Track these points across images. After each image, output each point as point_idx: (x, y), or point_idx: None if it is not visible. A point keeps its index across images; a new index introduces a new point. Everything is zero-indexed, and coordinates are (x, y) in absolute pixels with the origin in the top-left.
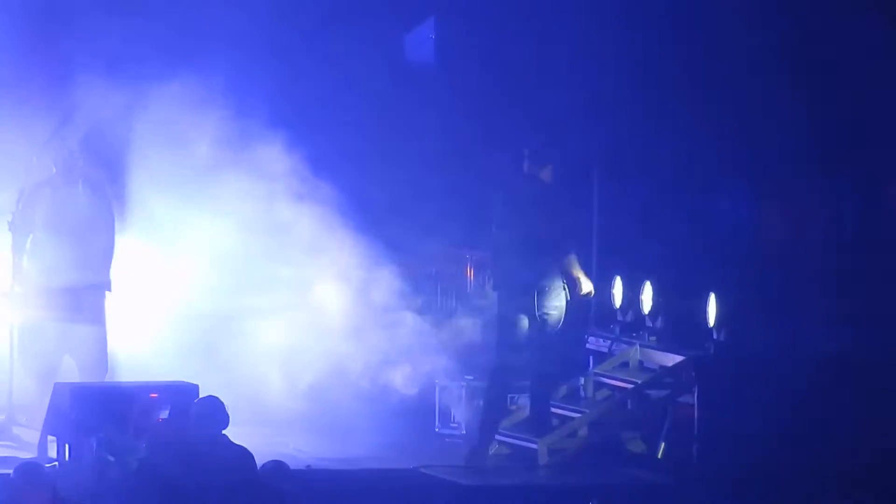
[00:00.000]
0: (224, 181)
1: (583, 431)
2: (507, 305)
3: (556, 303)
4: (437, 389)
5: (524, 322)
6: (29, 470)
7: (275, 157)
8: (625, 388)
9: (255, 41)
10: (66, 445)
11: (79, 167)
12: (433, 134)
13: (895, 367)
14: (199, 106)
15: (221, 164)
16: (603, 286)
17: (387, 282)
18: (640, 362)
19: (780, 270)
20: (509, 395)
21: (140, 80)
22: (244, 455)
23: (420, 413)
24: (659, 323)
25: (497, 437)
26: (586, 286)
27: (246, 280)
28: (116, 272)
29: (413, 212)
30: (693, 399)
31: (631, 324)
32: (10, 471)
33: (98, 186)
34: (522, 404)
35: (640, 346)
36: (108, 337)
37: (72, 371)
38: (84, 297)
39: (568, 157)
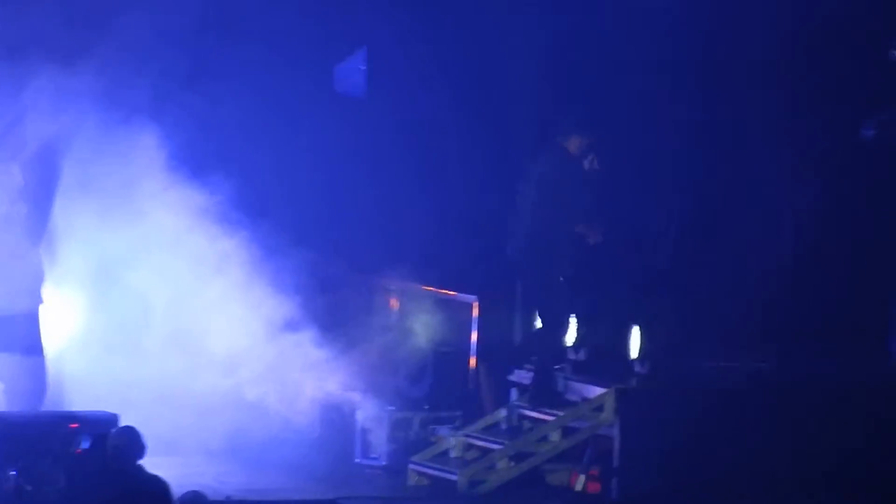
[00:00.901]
0: (143, 211)
1: (503, 463)
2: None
3: None
4: (358, 420)
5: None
6: None
7: (199, 187)
8: (546, 421)
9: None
10: None
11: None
12: (362, 164)
13: (817, 391)
14: (124, 135)
15: (140, 192)
16: (526, 320)
17: (310, 313)
18: (563, 394)
19: (703, 303)
20: (431, 427)
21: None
22: (161, 485)
23: (341, 444)
24: (582, 355)
25: (416, 467)
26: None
27: (167, 310)
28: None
29: (340, 243)
30: (614, 431)
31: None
32: None
33: (37, 205)
34: (443, 436)
35: (563, 378)
36: (48, 365)
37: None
38: (16, 325)
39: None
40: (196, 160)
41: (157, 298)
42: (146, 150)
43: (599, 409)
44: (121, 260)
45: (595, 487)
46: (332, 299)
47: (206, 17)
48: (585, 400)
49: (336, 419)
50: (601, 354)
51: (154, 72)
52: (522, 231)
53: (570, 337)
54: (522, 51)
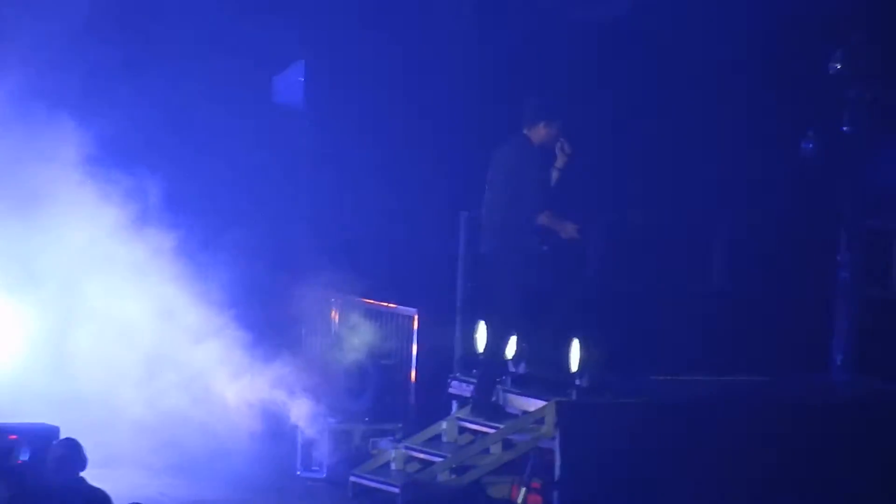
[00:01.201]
0: (71, 213)
1: (444, 476)
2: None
3: None
4: (299, 432)
5: None
6: None
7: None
8: (487, 433)
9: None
10: None
11: None
12: (302, 174)
13: (755, 406)
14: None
15: (67, 194)
16: (467, 332)
17: (250, 325)
18: (503, 407)
19: (643, 317)
20: (372, 439)
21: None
22: (102, 498)
23: (282, 456)
24: (522, 368)
25: (357, 480)
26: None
27: (104, 323)
28: None
29: (280, 254)
30: (555, 444)
31: None
32: None
33: None
34: (384, 448)
35: (504, 391)
36: None
37: None
38: None
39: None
40: (128, 163)
41: (84, 305)
42: (69, 148)
43: (540, 421)
44: (43, 265)
45: (536, 500)
46: (272, 311)
47: (134, 15)
48: (526, 413)
49: (277, 432)
50: (541, 367)
51: (81, 70)
52: (493, 227)
53: (510, 350)
54: (460, 56)
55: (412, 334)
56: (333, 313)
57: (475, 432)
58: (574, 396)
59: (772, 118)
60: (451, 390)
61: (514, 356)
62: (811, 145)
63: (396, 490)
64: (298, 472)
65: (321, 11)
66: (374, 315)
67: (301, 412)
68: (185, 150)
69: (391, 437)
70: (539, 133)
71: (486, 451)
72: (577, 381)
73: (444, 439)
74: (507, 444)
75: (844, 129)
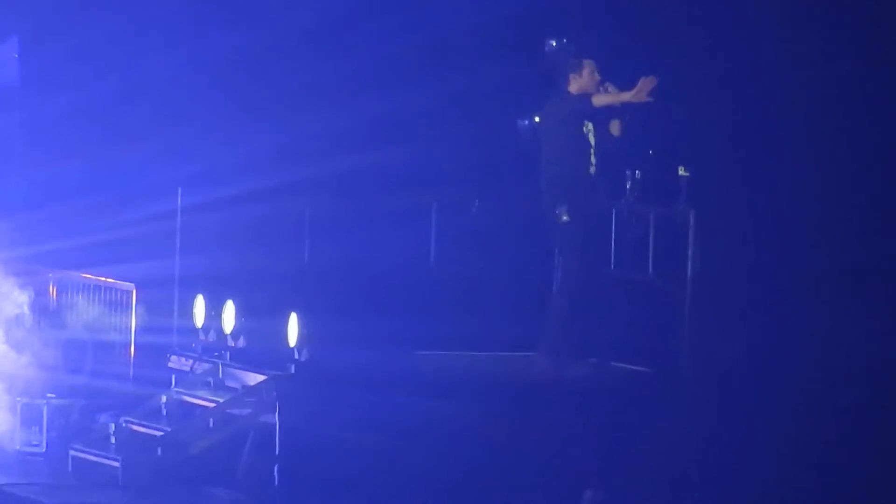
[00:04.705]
0: None
1: (163, 450)
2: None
3: None
4: (18, 407)
5: None
6: None
7: None
8: (207, 407)
9: None
10: None
11: None
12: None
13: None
14: None
15: None
16: (184, 306)
17: None
18: (223, 381)
19: (365, 293)
20: (92, 414)
21: None
22: None
23: (0, 431)
24: (241, 342)
25: (76, 454)
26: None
27: None
28: None
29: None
30: (275, 418)
31: (213, 343)
32: None
33: None
34: (104, 422)
35: (223, 365)
36: None
37: None
38: None
39: None
40: None
41: None
42: None
43: (259, 395)
44: None
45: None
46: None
47: None
48: (245, 387)
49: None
50: (261, 341)
51: None
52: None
53: (229, 324)
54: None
55: (130, 309)
56: (51, 288)
57: (195, 406)
58: (293, 370)
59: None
60: (170, 364)
61: (232, 330)
62: (527, 122)
63: (117, 464)
64: (17, 447)
65: None
66: (92, 289)
67: (19, 387)
68: None
69: (111, 412)
70: (577, 81)
71: (206, 424)
72: (297, 355)
73: (164, 413)
74: (228, 419)
75: None
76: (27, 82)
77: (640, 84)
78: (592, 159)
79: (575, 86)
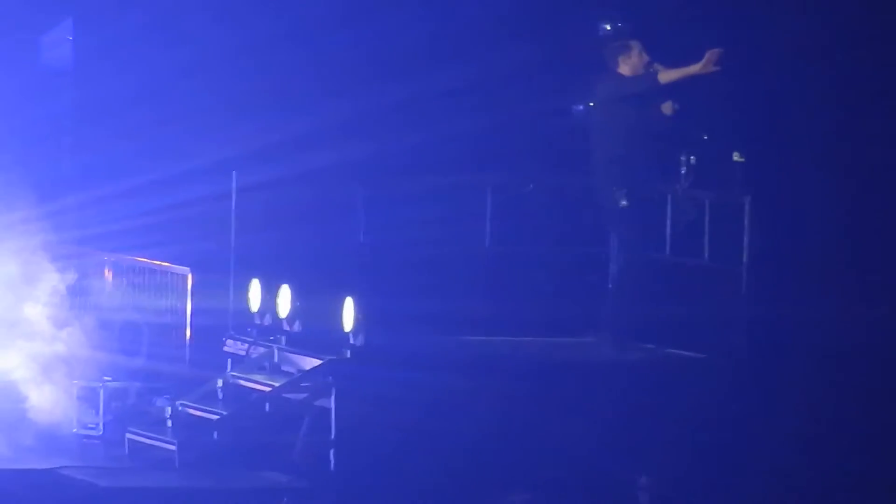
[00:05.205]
0: None
1: (219, 434)
2: None
3: None
4: (75, 390)
5: None
6: None
7: None
8: (262, 391)
9: None
10: None
11: None
12: (70, 136)
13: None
14: None
15: None
16: (240, 290)
17: (25, 283)
18: (278, 365)
19: (421, 276)
20: (148, 397)
21: None
22: None
23: (58, 414)
24: (297, 326)
25: (133, 437)
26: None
27: None
28: None
29: (51, 215)
30: (330, 403)
31: (269, 327)
32: None
33: None
34: (160, 405)
35: (278, 349)
36: None
37: None
38: None
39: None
40: None
41: None
42: None
43: (315, 380)
44: None
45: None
46: (46, 269)
47: None
48: (301, 371)
49: (53, 388)
50: (316, 325)
51: None
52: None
53: (284, 308)
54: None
55: (186, 293)
56: (107, 272)
57: (251, 390)
58: (348, 354)
59: (542, 81)
60: (225, 348)
61: (288, 314)
62: (581, 107)
63: (173, 447)
64: (74, 430)
65: None
66: (147, 273)
67: (76, 370)
68: None
69: (167, 395)
70: (626, 63)
71: (262, 408)
72: (352, 340)
73: (220, 396)
74: (284, 403)
75: None
76: (81, 64)
77: (707, 56)
78: (645, 141)
79: (626, 67)
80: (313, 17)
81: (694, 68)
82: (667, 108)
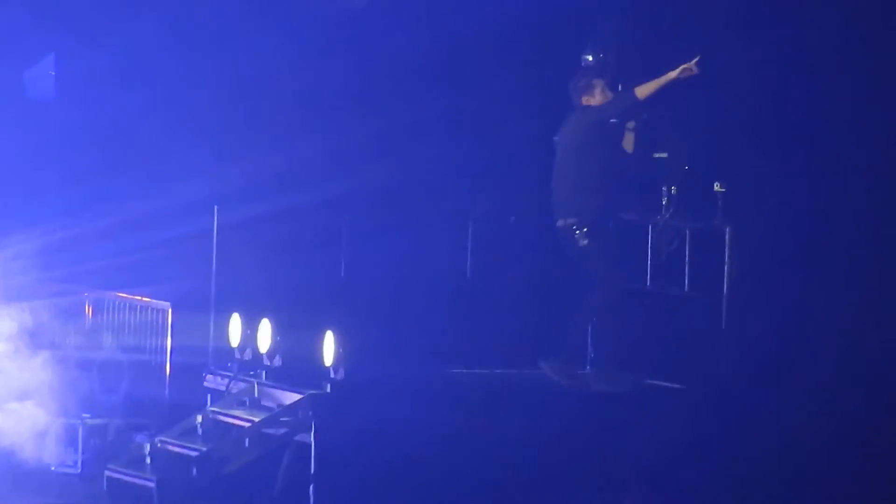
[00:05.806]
0: None
1: (198, 470)
2: None
3: None
4: (54, 427)
5: None
6: None
7: None
8: (242, 427)
9: None
10: None
11: None
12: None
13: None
14: None
15: None
16: (220, 324)
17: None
18: (259, 400)
19: (402, 309)
20: (127, 433)
21: None
22: None
23: (35, 451)
24: (277, 361)
25: (112, 474)
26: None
27: None
28: None
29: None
30: (310, 438)
31: (249, 362)
32: None
33: None
34: (139, 442)
35: (259, 384)
36: None
37: None
38: None
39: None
40: None
41: None
42: None
43: (295, 415)
44: None
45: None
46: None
47: None
48: (281, 406)
49: (30, 426)
50: (296, 360)
51: None
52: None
53: (265, 343)
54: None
55: (166, 328)
56: (87, 308)
57: (231, 426)
58: (328, 389)
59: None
60: (205, 383)
61: (268, 349)
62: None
63: (152, 484)
64: (53, 468)
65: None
66: (127, 309)
67: (55, 407)
68: None
69: (146, 432)
70: (590, 102)
71: (242, 444)
72: (332, 374)
73: (200, 432)
74: (264, 438)
75: None
76: (63, 98)
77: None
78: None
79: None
80: (292, 52)
81: (671, 75)
82: (628, 144)
